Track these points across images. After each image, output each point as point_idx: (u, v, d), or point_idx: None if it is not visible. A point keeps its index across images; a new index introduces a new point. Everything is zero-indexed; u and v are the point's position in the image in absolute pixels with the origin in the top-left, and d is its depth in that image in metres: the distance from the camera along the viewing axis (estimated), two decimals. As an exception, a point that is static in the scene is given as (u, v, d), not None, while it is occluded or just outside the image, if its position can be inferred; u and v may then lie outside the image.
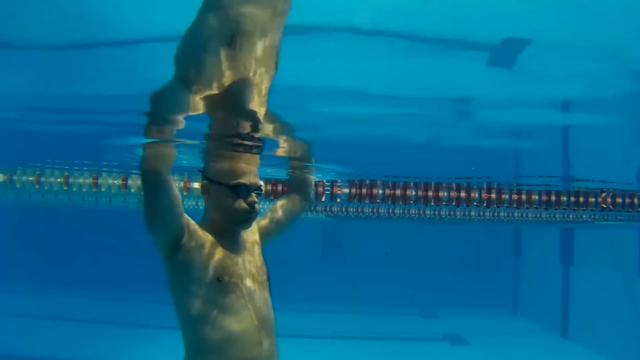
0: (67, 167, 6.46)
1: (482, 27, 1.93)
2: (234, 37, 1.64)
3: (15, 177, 6.85)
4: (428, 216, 9.91)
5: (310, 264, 17.56)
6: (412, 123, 3.31)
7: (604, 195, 6.50)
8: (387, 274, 17.82)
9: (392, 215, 9.90)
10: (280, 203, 2.89)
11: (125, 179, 6.75)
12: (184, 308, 2.30)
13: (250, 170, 2.39)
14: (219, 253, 2.35)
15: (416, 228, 15.38)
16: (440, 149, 4.08)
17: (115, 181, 6.76)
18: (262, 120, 2.45)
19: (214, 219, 2.44)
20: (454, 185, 6.33)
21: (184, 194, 6.72)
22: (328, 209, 9.40)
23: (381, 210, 9.65)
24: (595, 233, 12.00)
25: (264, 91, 1.99)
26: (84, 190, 7.03)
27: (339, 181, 6.52)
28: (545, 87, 2.60)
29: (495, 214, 9.20)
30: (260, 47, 1.71)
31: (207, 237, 2.36)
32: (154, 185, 2.21)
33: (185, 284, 2.29)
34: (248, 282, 2.39)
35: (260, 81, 1.90)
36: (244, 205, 2.37)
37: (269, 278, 2.53)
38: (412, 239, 17.25)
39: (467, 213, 9.31)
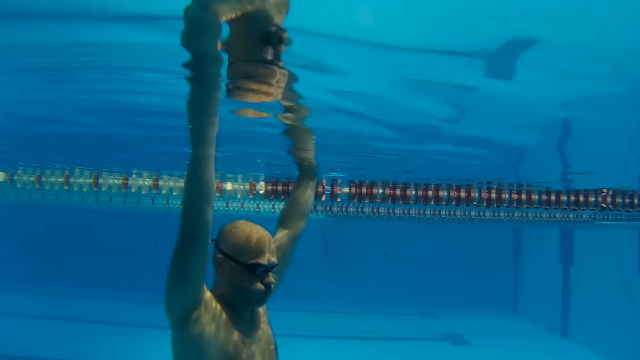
0: (67, 167, 6.46)
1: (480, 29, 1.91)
2: None
3: (15, 177, 6.85)
4: (428, 216, 9.92)
5: (310, 264, 17.55)
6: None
7: (604, 194, 6.51)
8: (387, 274, 17.83)
9: (392, 215, 9.91)
10: (279, 245, 2.74)
11: (126, 179, 6.75)
12: None
13: (268, 246, 2.31)
14: (232, 333, 2.26)
15: (416, 228, 15.38)
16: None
17: (115, 181, 6.76)
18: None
19: (226, 294, 2.31)
20: (453, 186, 6.33)
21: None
22: (328, 209, 9.40)
23: (381, 210, 9.65)
24: (595, 233, 12.00)
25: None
26: (85, 189, 7.04)
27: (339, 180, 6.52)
28: (547, 88, 2.59)
29: (495, 214, 9.21)
30: None
31: (221, 313, 2.26)
32: (198, 236, 2.11)
33: None
34: None
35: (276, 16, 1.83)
36: (261, 286, 2.27)
37: (277, 351, 2.47)
38: (412, 239, 17.26)
39: (467, 213, 9.31)
